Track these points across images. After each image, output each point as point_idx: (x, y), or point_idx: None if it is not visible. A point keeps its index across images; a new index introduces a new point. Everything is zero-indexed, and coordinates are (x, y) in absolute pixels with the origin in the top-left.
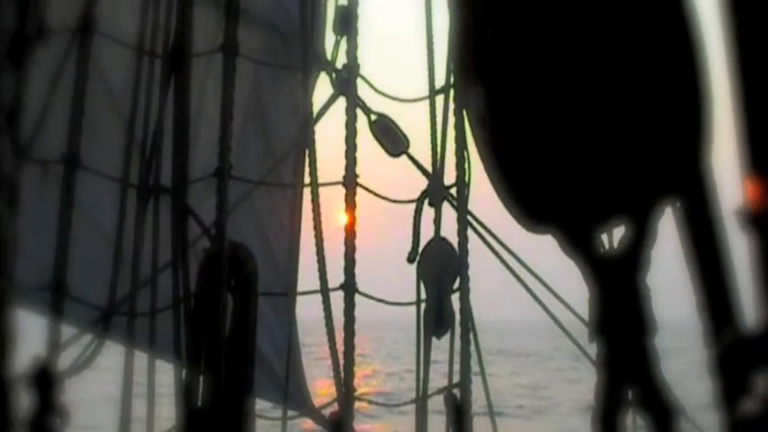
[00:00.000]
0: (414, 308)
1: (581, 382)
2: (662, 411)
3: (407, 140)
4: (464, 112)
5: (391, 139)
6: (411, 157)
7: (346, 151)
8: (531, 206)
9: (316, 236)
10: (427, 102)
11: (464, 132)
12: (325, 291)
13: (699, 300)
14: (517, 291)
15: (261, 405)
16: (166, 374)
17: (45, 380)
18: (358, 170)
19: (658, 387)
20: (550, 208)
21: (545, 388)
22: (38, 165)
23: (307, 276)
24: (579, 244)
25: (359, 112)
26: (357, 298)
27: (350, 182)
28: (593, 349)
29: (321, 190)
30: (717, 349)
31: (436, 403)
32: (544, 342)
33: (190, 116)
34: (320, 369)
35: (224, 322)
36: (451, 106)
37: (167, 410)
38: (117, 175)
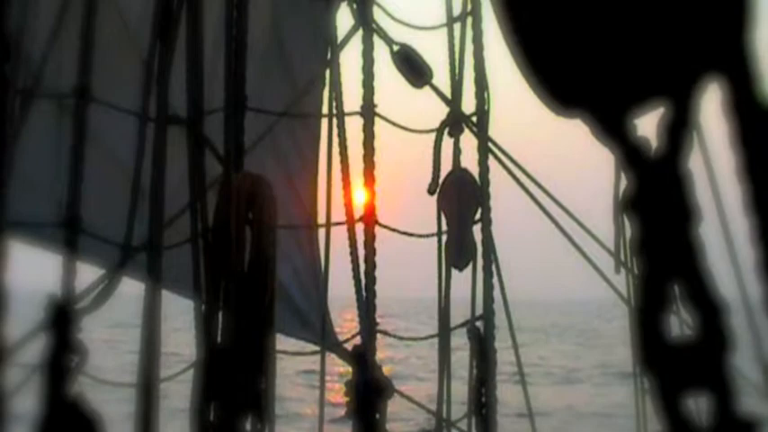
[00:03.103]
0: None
1: (597, 355)
2: (709, 306)
3: (431, 71)
4: (482, 39)
5: (414, 69)
6: (434, 87)
7: (364, 80)
8: (561, 87)
9: (342, 168)
10: (444, 30)
11: (482, 60)
12: (350, 221)
13: (745, 190)
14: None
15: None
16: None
17: (62, 318)
18: (377, 102)
19: (705, 280)
20: (581, 88)
21: (567, 358)
22: (51, 99)
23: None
24: (613, 128)
25: (382, 43)
26: None
27: (368, 111)
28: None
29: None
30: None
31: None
32: (546, 320)
33: (203, 45)
34: None
35: (242, 256)
36: (469, 34)
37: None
38: (131, 107)
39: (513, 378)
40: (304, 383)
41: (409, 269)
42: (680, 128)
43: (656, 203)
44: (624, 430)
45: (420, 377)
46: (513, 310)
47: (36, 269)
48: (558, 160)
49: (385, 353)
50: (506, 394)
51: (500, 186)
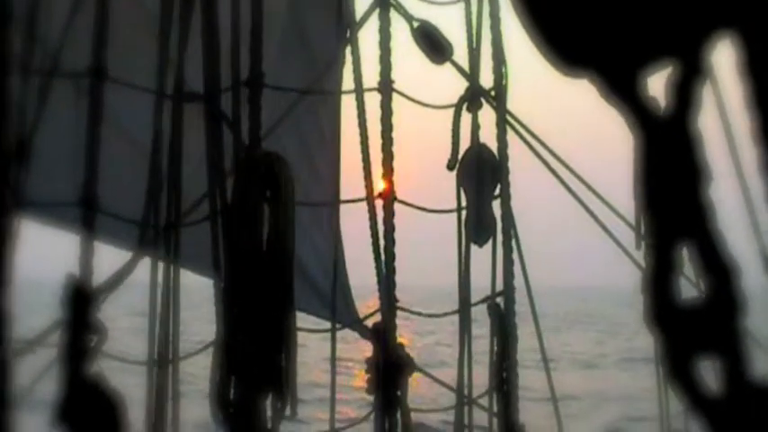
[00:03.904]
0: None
1: (620, 342)
2: (720, 269)
3: (451, 47)
4: (499, 13)
5: (434, 45)
6: (454, 63)
7: (381, 56)
8: (568, 46)
9: (361, 143)
10: (461, 5)
11: (500, 34)
12: (369, 198)
13: (759, 151)
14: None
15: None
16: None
17: (79, 298)
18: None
19: (716, 242)
20: (588, 48)
21: (591, 344)
22: (68, 79)
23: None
24: (621, 88)
25: (401, 20)
26: None
27: (385, 87)
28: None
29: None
30: None
31: None
32: (568, 307)
33: (218, 22)
34: None
35: (260, 233)
36: (486, 8)
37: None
38: (148, 86)
39: (539, 364)
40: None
41: (427, 254)
42: (689, 87)
43: (665, 163)
44: (648, 413)
45: (447, 362)
46: (534, 295)
47: (64, 258)
48: (580, 136)
49: (410, 339)
50: (532, 379)
51: (521, 167)
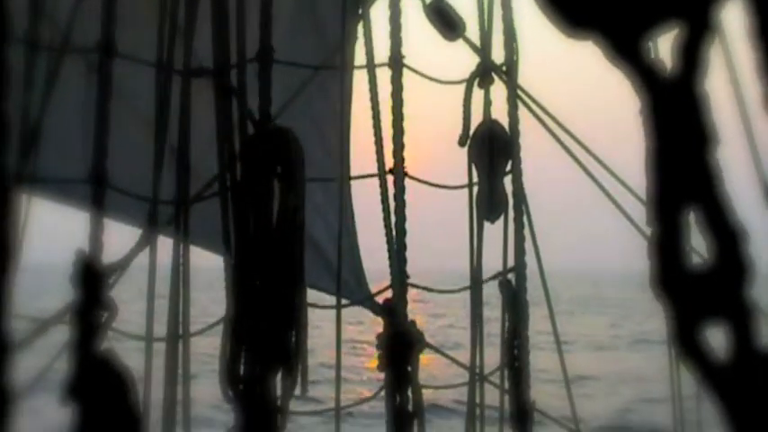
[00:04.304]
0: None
1: (627, 325)
2: (727, 233)
3: (464, 23)
4: None
5: (447, 22)
6: (466, 39)
7: (391, 31)
8: (572, 7)
9: (373, 117)
10: None
11: (511, 9)
12: (382, 174)
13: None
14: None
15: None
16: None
17: (89, 273)
18: (408, 55)
19: (722, 205)
20: (593, 9)
21: (606, 327)
22: (78, 57)
23: (357, 161)
24: (626, 50)
25: None
26: None
27: (395, 62)
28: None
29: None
30: None
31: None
32: (581, 291)
33: None
34: None
35: (270, 209)
36: None
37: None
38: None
39: (553, 346)
40: (350, 352)
41: (439, 236)
42: (696, 48)
43: (670, 126)
44: (660, 395)
45: (461, 344)
46: (546, 276)
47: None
48: (596, 116)
49: (425, 322)
50: (546, 360)
51: (532, 144)
